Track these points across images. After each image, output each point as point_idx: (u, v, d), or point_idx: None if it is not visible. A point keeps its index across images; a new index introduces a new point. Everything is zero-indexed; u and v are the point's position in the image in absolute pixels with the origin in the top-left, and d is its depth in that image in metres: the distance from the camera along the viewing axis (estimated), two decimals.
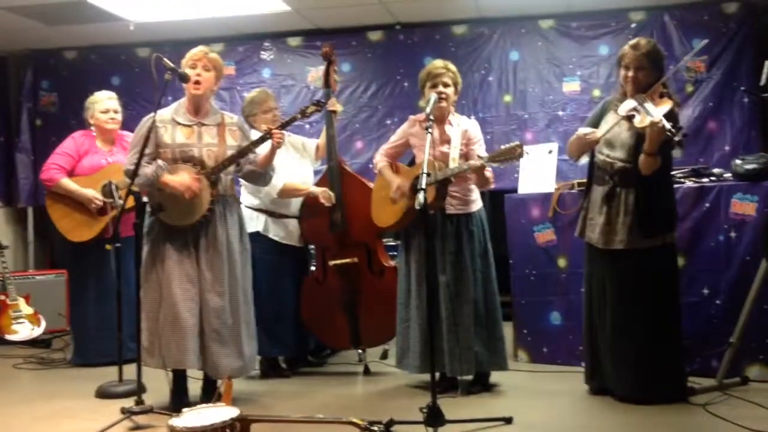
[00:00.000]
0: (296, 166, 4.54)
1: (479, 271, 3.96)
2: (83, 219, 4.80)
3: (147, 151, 3.62)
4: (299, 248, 4.59)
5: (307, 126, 5.90)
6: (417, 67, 5.96)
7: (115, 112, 4.91)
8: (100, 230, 4.78)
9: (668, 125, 3.27)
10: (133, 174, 3.60)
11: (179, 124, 3.75)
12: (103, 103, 4.88)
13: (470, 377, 3.97)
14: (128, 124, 6.01)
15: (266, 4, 5.41)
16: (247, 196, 4.47)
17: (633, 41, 3.67)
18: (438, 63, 4.03)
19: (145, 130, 3.64)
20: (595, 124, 3.77)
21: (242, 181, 4.08)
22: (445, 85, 3.93)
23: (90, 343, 4.89)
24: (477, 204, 4.03)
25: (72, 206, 4.81)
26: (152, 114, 3.65)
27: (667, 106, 3.45)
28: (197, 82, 3.73)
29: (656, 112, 3.38)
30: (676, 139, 3.26)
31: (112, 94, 4.96)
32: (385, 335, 4.49)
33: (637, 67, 3.58)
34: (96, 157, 4.90)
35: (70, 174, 4.83)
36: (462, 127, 3.97)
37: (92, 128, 4.97)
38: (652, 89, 3.53)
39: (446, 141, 3.92)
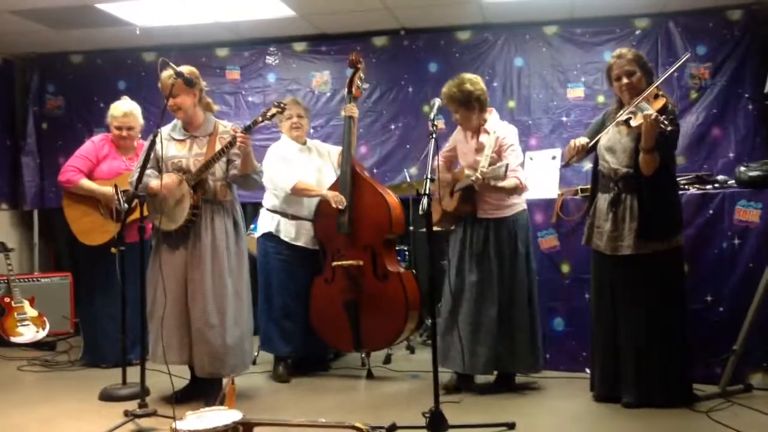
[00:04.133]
0: (316, 170, 4.68)
1: (506, 275, 4.03)
2: (98, 223, 4.84)
3: (149, 165, 3.86)
4: (312, 250, 4.65)
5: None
6: (421, 72, 6.03)
7: (129, 129, 4.91)
8: (113, 235, 4.79)
9: (661, 117, 3.32)
10: (135, 185, 3.78)
11: (174, 139, 3.99)
12: (118, 120, 4.89)
13: (490, 377, 4.12)
14: None
15: (272, 9, 5.43)
16: (266, 198, 4.66)
17: (615, 52, 3.74)
18: (451, 87, 4.04)
19: (147, 146, 3.82)
20: (595, 134, 3.82)
21: (264, 183, 4.34)
22: (456, 111, 4.10)
23: (100, 343, 4.93)
24: (513, 209, 4.08)
25: (88, 209, 4.85)
26: (157, 130, 3.77)
27: (661, 103, 3.52)
28: (175, 110, 3.91)
29: (650, 109, 3.45)
30: (670, 128, 3.32)
31: (130, 110, 4.92)
32: (385, 340, 4.51)
33: (628, 73, 3.64)
34: (115, 162, 4.93)
35: (89, 177, 4.86)
36: (496, 134, 4.03)
37: (110, 133, 5.00)
38: (646, 92, 3.57)
39: (480, 149, 4.05)
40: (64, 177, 4.87)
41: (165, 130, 3.99)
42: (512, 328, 4.02)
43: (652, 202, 3.57)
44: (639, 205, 3.59)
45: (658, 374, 3.63)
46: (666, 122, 3.30)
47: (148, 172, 3.85)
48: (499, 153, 4.01)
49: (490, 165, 3.89)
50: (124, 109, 4.92)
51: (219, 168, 3.92)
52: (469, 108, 4.04)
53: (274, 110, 3.90)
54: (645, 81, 3.64)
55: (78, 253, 5.05)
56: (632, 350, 3.66)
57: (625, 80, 3.64)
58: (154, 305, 3.87)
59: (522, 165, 4.12)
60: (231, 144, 3.81)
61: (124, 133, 4.91)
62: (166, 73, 3.89)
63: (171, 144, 3.97)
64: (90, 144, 4.98)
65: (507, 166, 3.71)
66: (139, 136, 5.03)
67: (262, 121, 3.92)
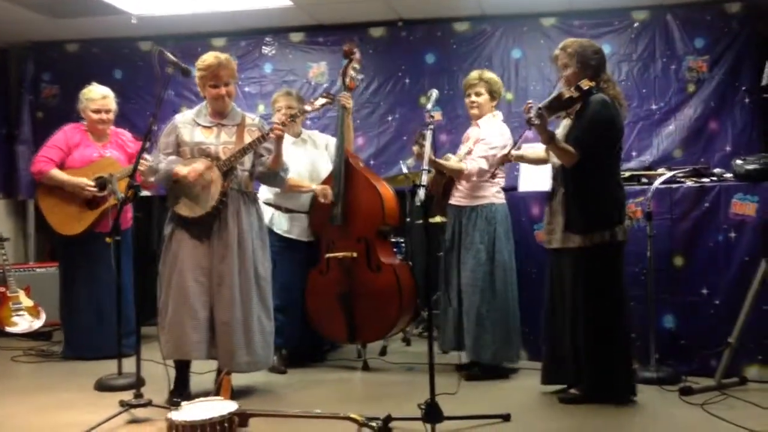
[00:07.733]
0: (309, 162, 4.66)
1: (466, 264, 4.18)
2: (73, 212, 4.79)
3: (170, 151, 3.82)
4: (306, 243, 4.65)
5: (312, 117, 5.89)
6: (418, 63, 6.01)
7: (107, 112, 4.88)
8: (90, 223, 4.77)
9: (532, 109, 3.46)
10: (132, 172, 3.72)
11: (199, 125, 3.87)
12: (97, 103, 4.85)
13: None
14: (130, 117, 6.05)
15: None
16: (261, 191, 4.63)
17: (561, 44, 3.79)
18: (474, 74, 4.35)
19: (165, 132, 3.85)
20: None
21: None
22: (477, 94, 4.29)
23: (81, 336, 4.89)
24: (480, 200, 4.21)
25: (62, 199, 4.80)
26: (153, 119, 3.74)
27: (553, 96, 3.64)
28: (223, 96, 3.82)
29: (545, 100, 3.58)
30: (529, 116, 3.45)
31: (107, 93, 4.91)
32: (379, 332, 4.51)
33: (564, 65, 3.72)
34: (88, 150, 4.88)
35: (61, 167, 4.81)
36: (480, 129, 4.26)
37: (84, 121, 4.96)
38: (554, 93, 3.65)
39: (466, 140, 4.36)
40: (35, 168, 4.83)
41: (187, 116, 3.92)
42: (469, 316, 4.16)
43: (574, 196, 3.60)
44: (564, 199, 3.63)
45: (591, 365, 3.60)
46: (530, 114, 3.43)
47: (171, 158, 3.79)
48: (475, 144, 4.24)
49: (466, 154, 4.21)
50: (102, 92, 4.89)
51: (247, 159, 3.85)
52: (493, 95, 4.30)
53: (323, 100, 3.91)
54: (581, 75, 3.61)
55: (56, 243, 5.00)
56: (566, 342, 3.67)
57: (561, 73, 3.74)
58: (179, 298, 3.69)
59: (488, 159, 4.13)
60: (265, 136, 3.75)
61: (104, 116, 4.86)
62: (211, 59, 3.78)
63: (196, 129, 3.85)
64: (61, 133, 4.93)
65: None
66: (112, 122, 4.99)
67: (310, 111, 3.97)
